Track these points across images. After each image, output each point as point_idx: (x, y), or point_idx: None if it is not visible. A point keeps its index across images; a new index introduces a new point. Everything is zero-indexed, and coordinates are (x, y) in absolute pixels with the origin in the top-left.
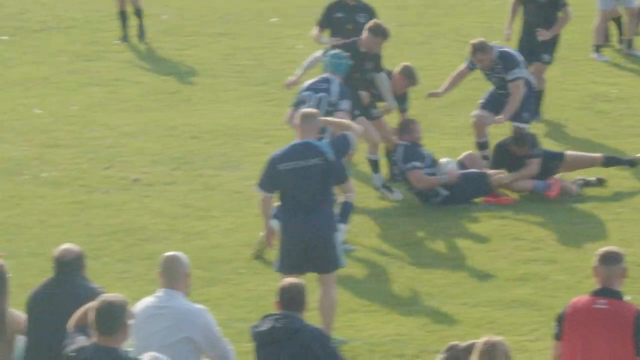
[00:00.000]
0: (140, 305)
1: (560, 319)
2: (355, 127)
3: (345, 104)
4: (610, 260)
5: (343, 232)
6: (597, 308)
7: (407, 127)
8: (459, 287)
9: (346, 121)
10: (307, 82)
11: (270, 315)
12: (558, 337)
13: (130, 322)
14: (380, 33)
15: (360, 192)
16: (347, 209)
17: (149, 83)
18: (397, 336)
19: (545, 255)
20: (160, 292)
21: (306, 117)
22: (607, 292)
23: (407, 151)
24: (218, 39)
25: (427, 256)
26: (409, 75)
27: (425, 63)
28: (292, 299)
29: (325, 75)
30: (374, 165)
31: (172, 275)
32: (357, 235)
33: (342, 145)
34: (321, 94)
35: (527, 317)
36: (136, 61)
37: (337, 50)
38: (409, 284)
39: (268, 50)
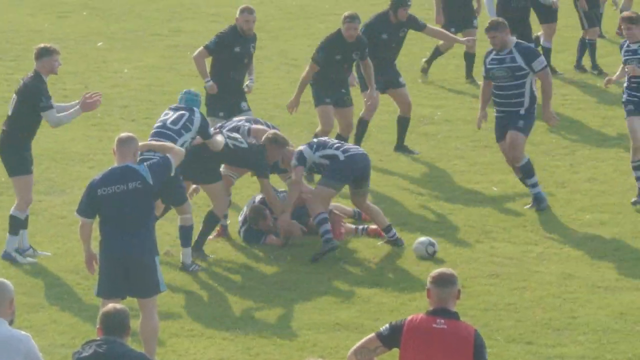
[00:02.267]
0: None
1: (397, 330)
2: (177, 149)
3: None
4: (443, 282)
5: (187, 256)
6: (437, 328)
7: None
8: (283, 309)
9: (168, 145)
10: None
11: (93, 340)
12: (384, 340)
13: None
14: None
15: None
16: (186, 233)
17: None
18: None
19: (369, 278)
20: None
21: (123, 141)
22: (444, 312)
23: None
24: None
25: (251, 279)
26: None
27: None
28: (114, 324)
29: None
30: None
31: None
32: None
33: (161, 168)
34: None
35: (351, 339)
36: None
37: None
38: (232, 308)
39: (94, 74)
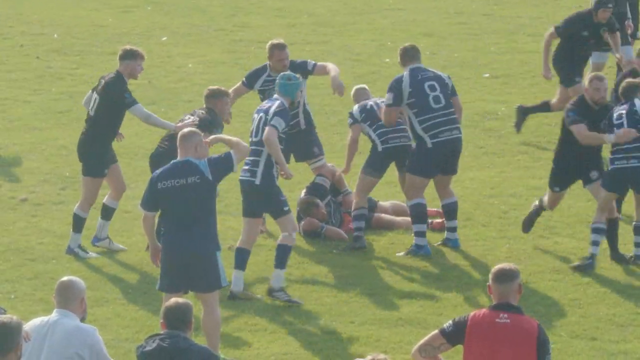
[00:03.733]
0: (31, 324)
1: (461, 326)
2: (243, 145)
3: (277, 121)
4: (504, 278)
5: (277, 279)
6: (500, 323)
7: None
8: (346, 305)
9: (234, 139)
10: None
11: (156, 335)
12: (448, 336)
13: (26, 342)
14: None
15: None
16: (282, 253)
17: (39, 102)
18: (284, 355)
19: (432, 273)
20: (53, 313)
21: (185, 136)
22: (507, 306)
23: None
24: (108, 57)
25: (314, 274)
26: None
27: (317, 81)
28: (177, 318)
29: (274, 96)
30: None
31: (67, 300)
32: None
33: (222, 164)
34: (261, 114)
35: (414, 335)
36: (26, 80)
37: (288, 72)
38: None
39: (159, 69)
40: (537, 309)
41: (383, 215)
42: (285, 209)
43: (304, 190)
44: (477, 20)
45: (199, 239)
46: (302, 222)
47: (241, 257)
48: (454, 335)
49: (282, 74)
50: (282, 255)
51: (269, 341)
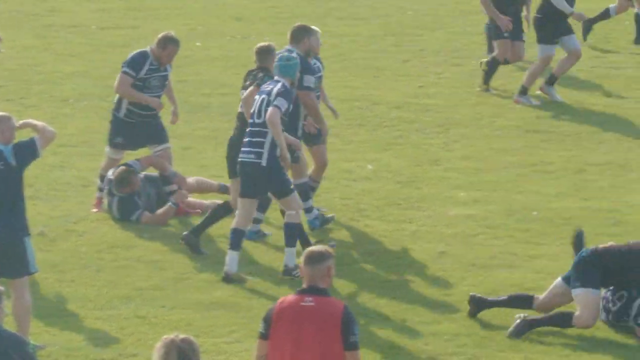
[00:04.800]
0: None
1: (268, 318)
2: (48, 130)
3: (280, 101)
4: (314, 260)
5: (290, 257)
6: (305, 306)
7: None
8: (159, 290)
9: (40, 123)
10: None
11: None
12: (265, 336)
13: None
14: None
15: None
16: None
17: None
18: (94, 340)
19: (243, 257)
20: None
21: None
22: (313, 290)
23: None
24: None
25: (127, 259)
26: None
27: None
28: None
29: (275, 78)
30: None
31: None
32: (55, 240)
33: (27, 149)
34: (264, 96)
35: (226, 318)
36: None
37: (285, 53)
38: (106, 288)
39: None
40: (348, 291)
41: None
42: (291, 187)
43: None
44: (288, 4)
45: (5, 225)
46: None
47: (236, 238)
48: (268, 330)
49: (280, 55)
50: (291, 233)
51: (80, 327)
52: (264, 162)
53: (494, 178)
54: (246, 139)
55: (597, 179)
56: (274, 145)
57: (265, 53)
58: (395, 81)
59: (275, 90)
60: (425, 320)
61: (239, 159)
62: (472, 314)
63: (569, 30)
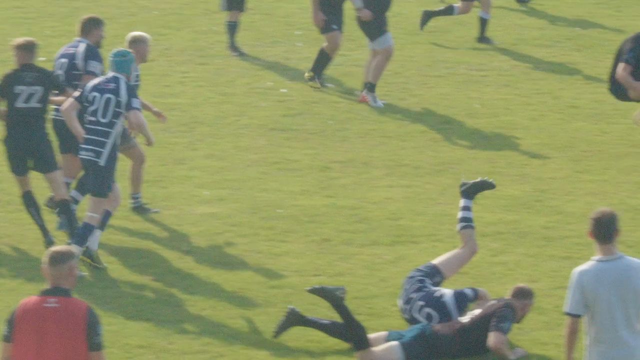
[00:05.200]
0: None
1: (11, 320)
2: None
3: (136, 102)
4: (56, 260)
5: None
6: (48, 307)
7: None
8: None
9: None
10: (93, 82)
11: None
12: (8, 339)
13: None
14: None
15: None
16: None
17: None
18: None
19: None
20: None
21: None
22: (56, 290)
23: None
24: None
25: None
26: None
27: None
28: None
29: (110, 75)
30: None
31: None
32: None
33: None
34: (109, 96)
35: None
36: None
37: (120, 48)
38: None
39: None
40: (92, 292)
41: None
42: (108, 193)
43: None
44: (32, 3)
45: None
46: None
47: (103, 218)
48: (11, 333)
49: (115, 51)
50: (84, 234)
51: None
52: (102, 162)
53: (238, 176)
54: (86, 136)
55: (341, 177)
56: (115, 147)
57: (32, 48)
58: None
59: (123, 91)
60: (170, 319)
61: (79, 156)
62: (282, 329)
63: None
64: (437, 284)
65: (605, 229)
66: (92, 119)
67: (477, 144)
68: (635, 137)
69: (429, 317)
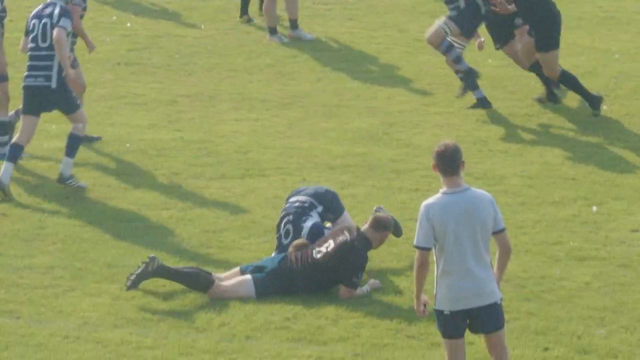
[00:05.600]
0: None
1: None
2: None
3: (64, 22)
4: None
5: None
6: None
7: None
8: None
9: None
10: (35, 10)
11: None
12: None
13: None
14: None
15: None
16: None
17: None
18: None
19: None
20: None
21: None
22: None
23: None
24: None
25: None
26: None
27: None
28: None
29: (48, 1)
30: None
31: None
32: None
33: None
34: (45, 20)
35: None
36: None
37: None
38: None
39: None
40: None
41: None
42: (78, 103)
43: None
44: None
45: None
46: None
47: (14, 152)
48: None
49: None
50: (73, 144)
51: None
52: (53, 85)
53: (86, 111)
54: (30, 63)
55: (188, 110)
56: (60, 67)
57: None
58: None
59: (56, 12)
60: (20, 254)
61: (24, 84)
62: (140, 278)
63: None
64: (321, 217)
65: (449, 162)
66: (33, 45)
67: (324, 77)
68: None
69: (287, 233)
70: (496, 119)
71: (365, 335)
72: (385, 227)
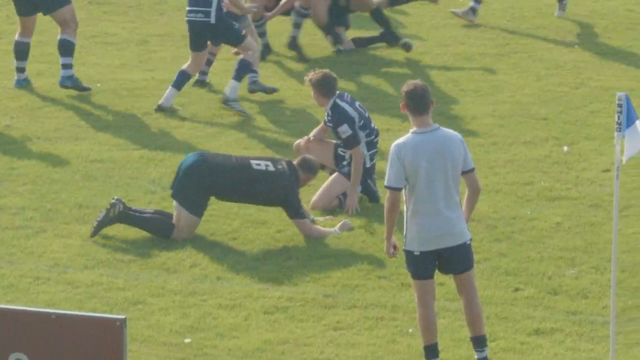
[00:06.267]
0: None
1: None
2: None
3: None
4: None
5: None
6: None
7: None
8: None
9: None
10: None
11: None
12: None
13: None
14: None
15: None
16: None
17: None
18: None
19: None
20: None
21: None
22: None
23: None
24: None
25: None
26: None
27: None
28: None
29: None
30: None
31: None
32: None
33: None
34: None
35: None
36: None
37: None
38: None
39: None
40: None
41: None
42: (243, 33)
43: None
44: None
45: None
46: None
47: (181, 78)
48: None
49: None
50: (243, 69)
51: None
52: (212, 20)
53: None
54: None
55: (160, 50)
56: (219, 4)
57: None
58: None
59: None
60: None
61: (187, 19)
62: (104, 223)
63: None
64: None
65: (419, 100)
66: None
67: None
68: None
69: None
70: (467, 58)
71: (335, 276)
72: (310, 169)
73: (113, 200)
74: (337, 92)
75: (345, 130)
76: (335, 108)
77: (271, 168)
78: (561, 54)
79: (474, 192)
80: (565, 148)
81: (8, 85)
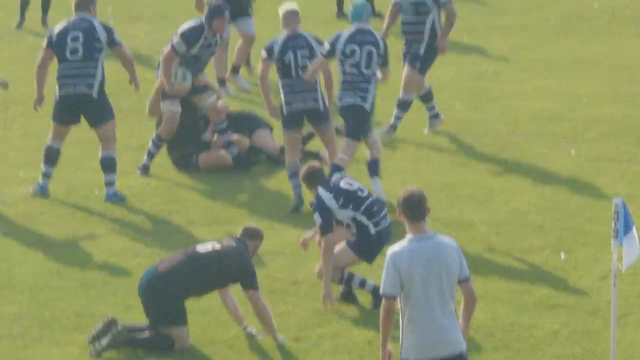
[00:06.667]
0: None
1: None
2: None
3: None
4: None
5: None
6: None
7: None
8: None
9: None
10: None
11: None
12: None
13: None
14: None
15: None
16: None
17: None
18: None
19: None
20: None
21: None
22: None
23: None
24: None
25: None
26: None
27: None
28: None
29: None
30: None
31: None
32: None
33: None
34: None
35: None
36: None
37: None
38: None
39: None
40: None
41: None
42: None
43: None
44: None
45: None
46: None
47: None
48: None
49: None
50: (376, 167)
51: None
52: (368, 107)
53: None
54: (350, 84)
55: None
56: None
57: None
58: None
59: (381, 43)
60: None
61: (342, 104)
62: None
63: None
64: None
65: (416, 208)
66: (356, 71)
67: None
68: (446, 114)
69: None
70: (462, 164)
71: None
72: (255, 236)
73: (119, 328)
74: (325, 179)
75: (316, 218)
76: (316, 196)
77: (217, 247)
78: (557, 160)
79: (470, 302)
80: (563, 255)
81: (8, 191)
